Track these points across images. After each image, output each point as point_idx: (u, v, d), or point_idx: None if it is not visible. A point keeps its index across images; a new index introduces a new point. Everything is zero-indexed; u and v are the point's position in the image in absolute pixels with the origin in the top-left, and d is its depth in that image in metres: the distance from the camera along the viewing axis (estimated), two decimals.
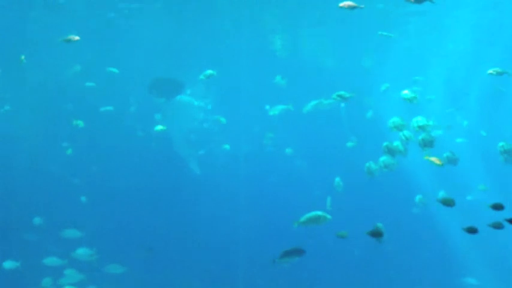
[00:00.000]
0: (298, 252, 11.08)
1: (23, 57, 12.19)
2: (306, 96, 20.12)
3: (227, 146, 23.58)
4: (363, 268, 20.81)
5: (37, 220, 17.85)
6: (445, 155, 13.64)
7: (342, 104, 25.56)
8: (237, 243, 21.22)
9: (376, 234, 9.66)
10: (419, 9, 18.85)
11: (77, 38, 11.50)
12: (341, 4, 9.52)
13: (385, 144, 12.07)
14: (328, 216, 10.31)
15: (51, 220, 17.82)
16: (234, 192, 23.34)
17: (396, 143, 11.96)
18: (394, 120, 11.62)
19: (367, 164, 12.90)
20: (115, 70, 19.28)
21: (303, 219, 10.29)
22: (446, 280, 20.60)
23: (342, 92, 12.58)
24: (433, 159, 10.50)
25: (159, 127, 17.24)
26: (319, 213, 10.37)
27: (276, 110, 18.88)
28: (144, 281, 19.07)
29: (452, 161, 13.78)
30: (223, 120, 21.37)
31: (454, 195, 21.62)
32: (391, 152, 11.99)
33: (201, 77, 14.97)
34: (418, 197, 15.52)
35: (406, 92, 11.74)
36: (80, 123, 17.20)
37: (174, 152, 24.40)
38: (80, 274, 15.86)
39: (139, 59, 22.65)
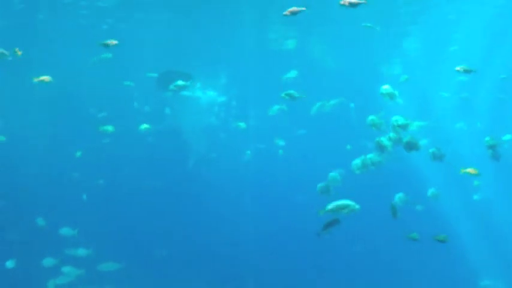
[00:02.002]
0: (336, 222, 10.73)
1: (17, 50, 12.04)
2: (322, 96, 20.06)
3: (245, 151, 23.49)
4: (370, 269, 20.68)
5: (40, 221, 17.84)
6: (430, 150, 13.32)
7: (352, 104, 25.36)
8: (230, 240, 21.14)
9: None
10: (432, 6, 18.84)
11: (115, 42, 11.52)
12: (341, 2, 9.37)
13: (377, 139, 11.58)
14: (357, 206, 9.68)
15: (51, 220, 17.81)
16: (242, 193, 23.28)
17: (383, 138, 11.55)
18: (372, 118, 11.29)
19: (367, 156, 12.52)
20: (154, 75, 19.28)
21: (329, 207, 9.62)
22: (460, 282, 20.41)
23: (291, 91, 12.43)
24: (469, 170, 10.41)
25: (144, 126, 17.09)
26: (348, 202, 9.74)
27: (273, 111, 18.86)
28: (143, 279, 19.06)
29: (437, 157, 13.45)
30: (242, 125, 21.17)
31: (462, 195, 21.57)
32: (381, 148, 11.54)
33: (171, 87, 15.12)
34: (397, 196, 14.83)
35: (386, 87, 11.22)
36: (109, 128, 17.13)
37: (178, 150, 24.26)
38: (78, 270, 15.84)
39: (147, 54, 22.58)
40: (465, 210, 22.12)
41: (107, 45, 11.23)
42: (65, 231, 16.57)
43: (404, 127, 10.99)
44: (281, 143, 21.87)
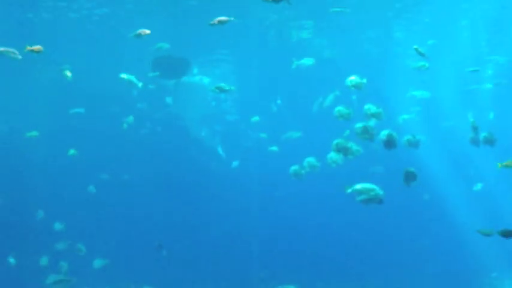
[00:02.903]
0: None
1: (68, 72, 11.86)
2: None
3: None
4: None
5: (40, 213, 17.81)
6: (405, 138, 13.27)
7: (354, 97, 25.25)
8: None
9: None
10: None
11: (148, 31, 11.22)
12: (211, 22, 9.94)
13: (335, 141, 11.46)
14: (381, 192, 9.78)
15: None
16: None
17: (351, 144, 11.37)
18: (340, 109, 11.04)
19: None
20: (155, 74, 19.33)
21: (357, 187, 9.73)
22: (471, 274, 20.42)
23: (221, 84, 12.18)
24: (507, 163, 10.36)
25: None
26: (374, 186, 9.80)
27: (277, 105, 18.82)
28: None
29: (413, 144, 13.43)
30: (256, 118, 21.03)
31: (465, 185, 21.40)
32: (342, 150, 11.35)
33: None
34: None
35: (352, 78, 10.86)
36: (130, 119, 16.90)
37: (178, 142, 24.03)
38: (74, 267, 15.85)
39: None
40: (474, 204, 22.04)
41: (139, 36, 11.15)
42: (58, 226, 16.78)
43: (377, 116, 10.87)
44: (295, 135, 21.51)
